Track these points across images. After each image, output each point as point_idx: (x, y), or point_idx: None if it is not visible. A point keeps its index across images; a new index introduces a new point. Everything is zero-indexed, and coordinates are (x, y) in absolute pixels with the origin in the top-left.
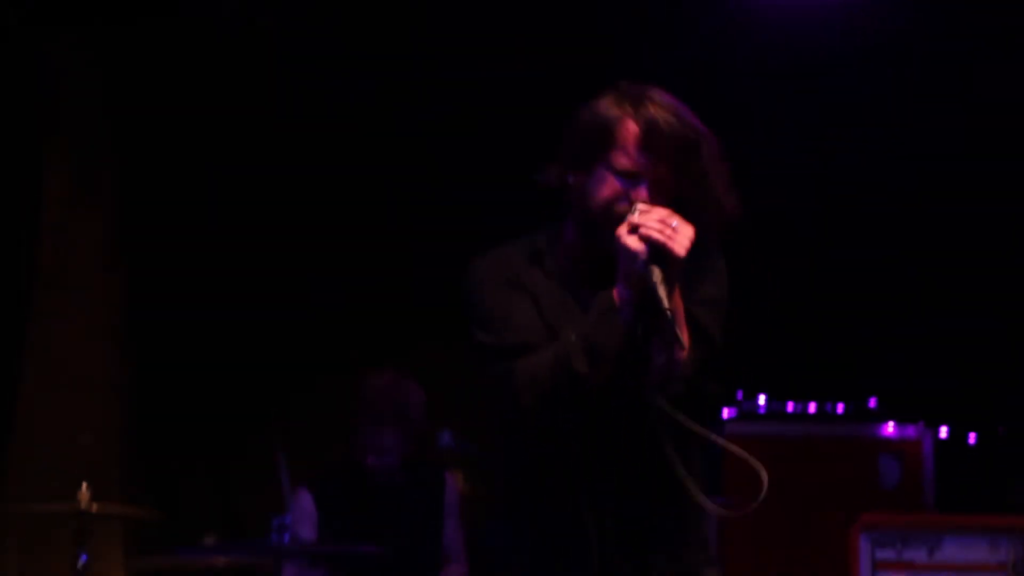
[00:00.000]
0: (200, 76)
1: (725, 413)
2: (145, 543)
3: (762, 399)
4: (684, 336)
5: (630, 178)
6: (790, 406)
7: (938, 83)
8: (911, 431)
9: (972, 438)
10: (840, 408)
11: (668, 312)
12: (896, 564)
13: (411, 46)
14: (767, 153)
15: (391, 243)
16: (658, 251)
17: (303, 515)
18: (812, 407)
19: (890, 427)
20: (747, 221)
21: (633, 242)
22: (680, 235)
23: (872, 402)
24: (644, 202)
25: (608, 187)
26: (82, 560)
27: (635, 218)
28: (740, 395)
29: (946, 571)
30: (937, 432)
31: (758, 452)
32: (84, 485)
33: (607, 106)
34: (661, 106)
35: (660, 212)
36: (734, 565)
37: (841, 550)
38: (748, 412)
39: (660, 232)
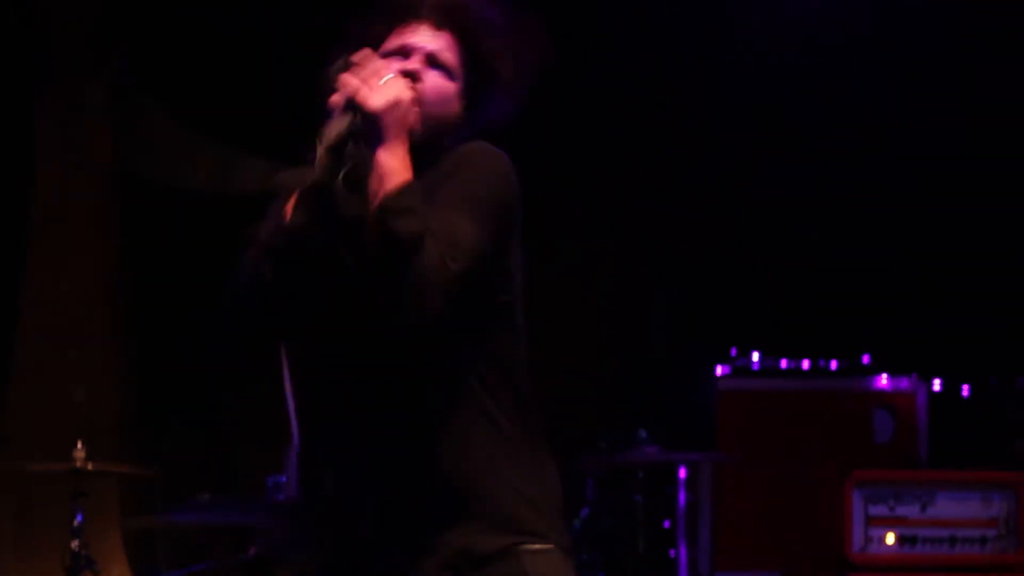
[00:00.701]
0: (193, 29)
1: (719, 370)
2: (141, 501)
3: (756, 356)
4: (378, 191)
5: (397, 55)
6: (783, 362)
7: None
8: (904, 384)
9: (966, 390)
10: (833, 364)
11: (328, 157)
12: (889, 519)
13: None
14: (765, 142)
15: None
16: (352, 103)
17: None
18: (805, 363)
19: (883, 380)
20: (748, 192)
21: (335, 96)
22: (382, 89)
23: (865, 358)
24: (364, 58)
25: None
26: (78, 519)
27: (345, 73)
28: (734, 352)
29: (939, 527)
30: (931, 385)
31: (753, 408)
32: (79, 443)
33: None
34: None
35: (373, 67)
36: (728, 519)
37: (835, 505)
38: (741, 368)
39: (357, 83)
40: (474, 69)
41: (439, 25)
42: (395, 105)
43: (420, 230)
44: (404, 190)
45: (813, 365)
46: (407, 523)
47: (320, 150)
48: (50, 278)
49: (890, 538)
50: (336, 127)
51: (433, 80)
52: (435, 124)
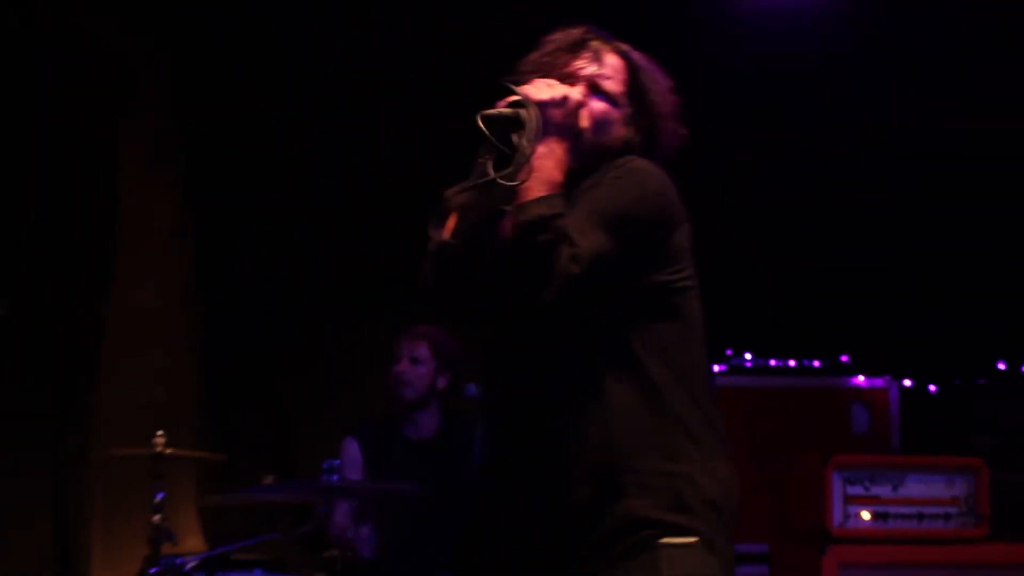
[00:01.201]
0: (258, 61)
1: (716, 368)
2: (213, 482)
3: (748, 356)
4: (526, 178)
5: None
6: (772, 362)
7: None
8: (879, 382)
9: (933, 388)
10: (816, 363)
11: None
12: (864, 498)
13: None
14: (762, 144)
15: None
16: (521, 98)
17: (351, 460)
18: (792, 362)
19: (860, 378)
20: (742, 205)
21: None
22: (548, 88)
23: (845, 358)
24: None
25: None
26: (159, 497)
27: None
28: (729, 352)
29: (908, 505)
30: (902, 383)
31: (745, 402)
32: (160, 432)
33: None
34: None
35: (544, 81)
36: None
37: (817, 487)
38: (736, 367)
39: (527, 86)
40: (635, 100)
41: (601, 57)
42: (557, 102)
43: (554, 239)
44: (548, 199)
45: (799, 364)
46: (555, 496)
47: (480, 122)
48: (134, 285)
49: (865, 514)
50: (500, 109)
51: (595, 105)
52: (597, 142)
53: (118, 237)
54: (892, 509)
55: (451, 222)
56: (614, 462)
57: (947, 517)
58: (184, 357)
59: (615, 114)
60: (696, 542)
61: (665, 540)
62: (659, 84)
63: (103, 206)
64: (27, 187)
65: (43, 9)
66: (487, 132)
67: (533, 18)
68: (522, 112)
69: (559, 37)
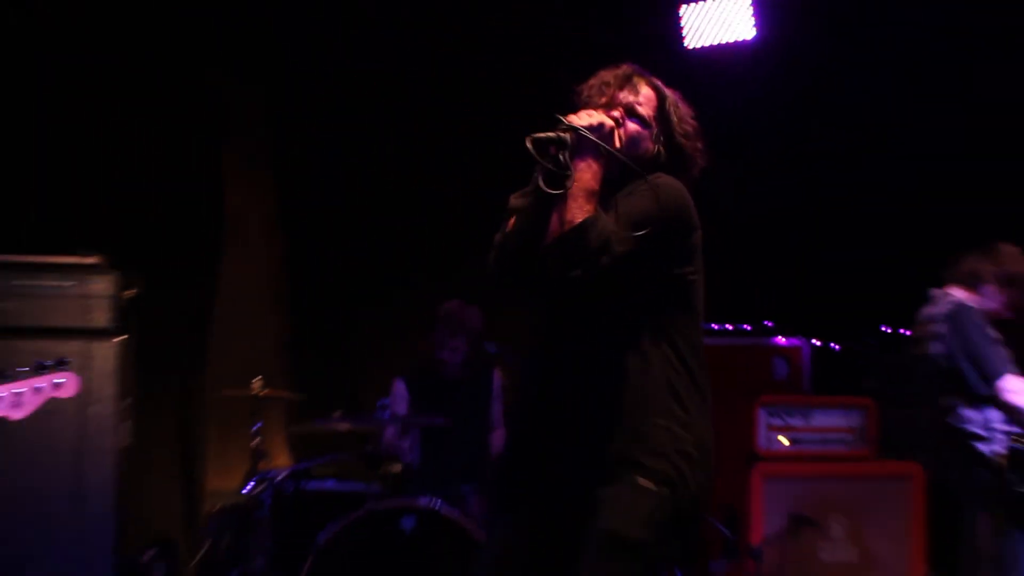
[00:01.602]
0: (339, 83)
1: None
2: (297, 415)
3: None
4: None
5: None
6: (715, 326)
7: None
8: (795, 341)
9: (835, 346)
10: (747, 327)
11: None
12: (782, 428)
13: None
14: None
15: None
16: (566, 123)
17: (399, 398)
18: (729, 326)
19: (780, 339)
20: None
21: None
22: (586, 117)
23: (769, 323)
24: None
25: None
26: (256, 426)
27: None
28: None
29: (815, 432)
30: (812, 342)
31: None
32: (257, 377)
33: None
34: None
35: (587, 111)
36: None
37: (748, 422)
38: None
39: (572, 116)
40: (662, 123)
41: (638, 88)
42: (595, 127)
43: (602, 243)
44: (593, 219)
45: (735, 328)
46: (572, 435)
47: (528, 143)
48: (236, 266)
49: (783, 440)
50: (547, 133)
51: (630, 125)
52: (630, 155)
53: (223, 228)
54: (803, 436)
55: (512, 221)
56: (620, 415)
57: (844, 442)
58: (276, 321)
59: (645, 133)
60: (660, 483)
61: (638, 476)
62: (683, 111)
63: (210, 211)
64: (154, 194)
65: (168, 63)
66: (535, 151)
67: None
68: (564, 135)
69: (609, 72)
